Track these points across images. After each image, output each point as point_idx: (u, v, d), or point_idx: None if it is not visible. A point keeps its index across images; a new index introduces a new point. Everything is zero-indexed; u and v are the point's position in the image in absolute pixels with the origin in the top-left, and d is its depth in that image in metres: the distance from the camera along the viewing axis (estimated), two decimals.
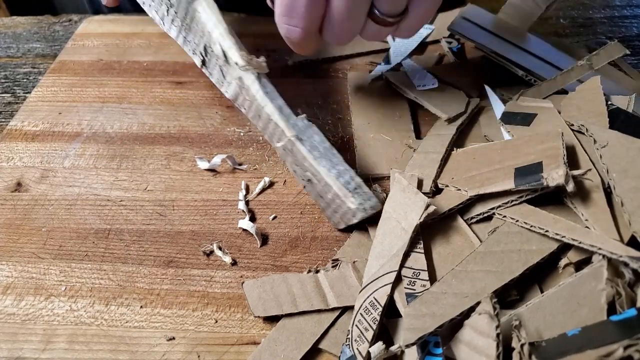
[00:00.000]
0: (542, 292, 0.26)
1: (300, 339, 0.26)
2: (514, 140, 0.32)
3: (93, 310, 0.28)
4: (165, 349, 0.26)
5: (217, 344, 0.27)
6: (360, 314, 0.25)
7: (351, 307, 0.27)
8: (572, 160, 0.29)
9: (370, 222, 0.30)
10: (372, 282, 0.26)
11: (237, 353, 0.26)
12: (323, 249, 0.31)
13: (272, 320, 0.27)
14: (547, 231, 0.26)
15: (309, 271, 0.29)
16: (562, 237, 0.26)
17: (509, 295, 0.26)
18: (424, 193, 0.29)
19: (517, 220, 0.27)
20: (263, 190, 0.34)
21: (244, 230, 0.32)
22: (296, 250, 0.31)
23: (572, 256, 0.26)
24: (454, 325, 0.24)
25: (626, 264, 0.24)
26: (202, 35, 0.36)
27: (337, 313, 0.27)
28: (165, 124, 0.39)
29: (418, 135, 0.37)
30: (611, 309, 0.23)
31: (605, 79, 0.35)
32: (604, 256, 0.24)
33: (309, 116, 0.32)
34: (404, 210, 0.28)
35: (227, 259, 0.30)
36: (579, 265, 0.26)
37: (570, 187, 0.26)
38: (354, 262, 0.29)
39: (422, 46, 0.46)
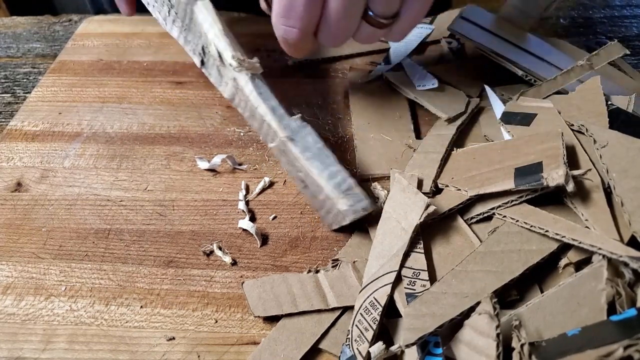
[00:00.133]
0: (542, 292, 0.26)
1: (300, 339, 0.26)
2: (514, 140, 0.32)
3: (93, 310, 0.28)
4: (165, 349, 0.26)
5: (217, 344, 0.27)
6: (360, 314, 0.25)
7: (351, 307, 0.27)
8: (572, 160, 0.29)
9: (370, 222, 0.30)
10: (372, 282, 0.26)
11: (237, 353, 0.26)
12: (323, 249, 0.31)
13: (272, 320, 0.27)
14: (547, 231, 0.26)
15: (309, 271, 0.29)
16: (562, 237, 0.26)
17: (509, 295, 0.26)
18: (424, 193, 0.29)
19: (517, 220, 0.27)
20: (263, 190, 0.34)
21: (244, 230, 0.32)
22: (296, 250, 0.31)
23: (572, 256, 0.26)
24: (454, 325, 0.24)
25: (626, 264, 0.24)
26: (200, 36, 0.36)
27: (337, 313, 0.27)
28: (165, 124, 0.39)
29: (418, 135, 0.37)
30: (611, 309, 0.23)
31: (605, 79, 0.35)
32: (604, 256, 0.24)
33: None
34: (404, 210, 0.28)
35: (227, 259, 0.30)
36: (579, 265, 0.26)
37: (570, 187, 0.26)
38: (354, 262, 0.29)
39: (422, 46, 0.46)
